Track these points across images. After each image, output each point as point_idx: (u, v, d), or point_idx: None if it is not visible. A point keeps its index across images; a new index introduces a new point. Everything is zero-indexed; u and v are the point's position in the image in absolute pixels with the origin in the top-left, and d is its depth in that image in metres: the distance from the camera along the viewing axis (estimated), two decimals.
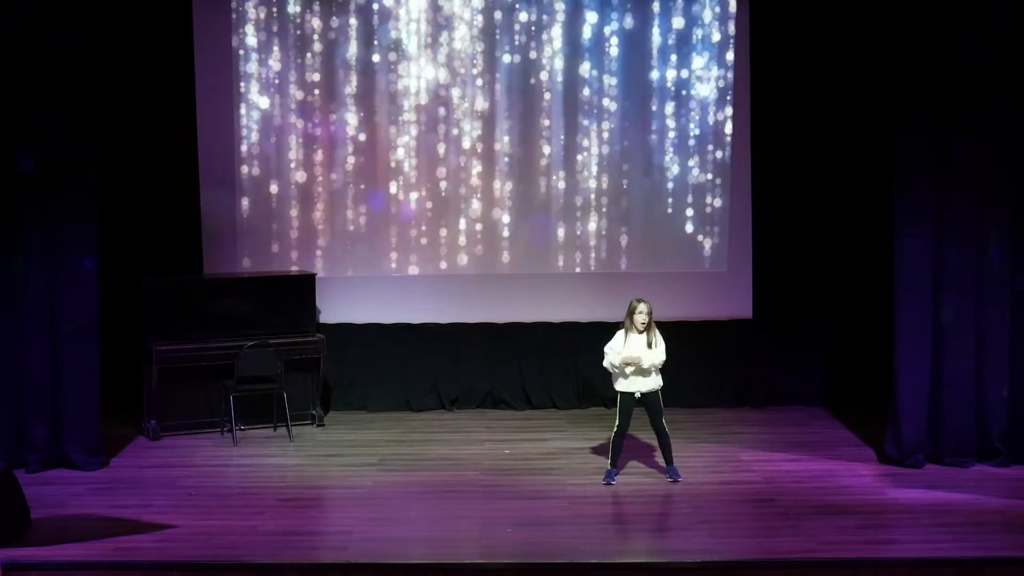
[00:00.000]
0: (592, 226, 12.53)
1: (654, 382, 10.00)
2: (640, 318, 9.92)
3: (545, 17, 12.32)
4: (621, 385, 10.01)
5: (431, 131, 12.39)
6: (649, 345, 9.94)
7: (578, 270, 12.58)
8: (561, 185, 12.49)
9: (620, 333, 10.03)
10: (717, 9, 12.35)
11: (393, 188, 12.43)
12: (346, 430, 11.89)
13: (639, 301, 10.00)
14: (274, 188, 12.39)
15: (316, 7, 12.21)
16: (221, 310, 11.78)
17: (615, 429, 10.03)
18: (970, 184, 10.39)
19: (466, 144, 12.42)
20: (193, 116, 12.17)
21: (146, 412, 11.58)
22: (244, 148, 12.31)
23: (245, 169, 12.35)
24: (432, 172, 12.43)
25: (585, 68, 12.37)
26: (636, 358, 9.88)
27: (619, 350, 9.95)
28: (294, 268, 12.39)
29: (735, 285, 12.60)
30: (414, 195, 12.45)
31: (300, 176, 12.39)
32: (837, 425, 11.98)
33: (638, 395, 9.96)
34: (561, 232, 12.54)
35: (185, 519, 9.22)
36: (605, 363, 10.08)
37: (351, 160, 12.39)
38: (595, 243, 12.55)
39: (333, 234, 12.46)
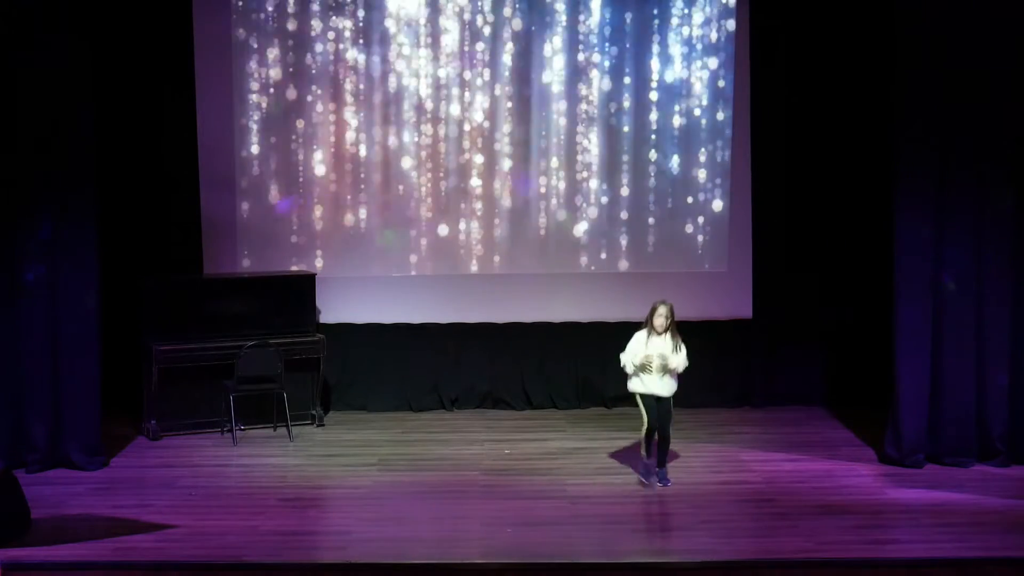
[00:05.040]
0: (592, 226, 12.53)
1: (669, 387, 9.94)
2: (659, 320, 9.85)
3: (545, 17, 12.32)
4: (636, 387, 9.97)
5: (431, 130, 12.39)
6: (673, 349, 9.88)
7: (579, 270, 12.58)
8: (561, 185, 12.49)
9: (640, 334, 9.98)
10: (717, 8, 12.35)
11: (393, 187, 12.43)
12: (346, 430, 11.89)
13: (661, 303, 9.91)
14: (274, 188, 12.40)
15: (316, 6, 12.21)
16: (221, 310, 11.78)
17: (645, 426, 9.96)
18: (970, 183, 10.39)
19: (466, 143, 12.43)
20: (193, 116, 12.17)
21: (146, 412, 11.58)
22: (244, 148, 12.31)
23: (245, 169, 12.35)
24: (432, 172, 12.43)
25: (585, 67, 12.37)
26: (650, 357, 9.82)
27: (636, 351, 9.89)
28: (294, 268, 12.39)
29: (735, 285, 12.60)
30: (414, 195, 12.45)
31: (300, 176, 12.39)
32: (837, 425, 11.98)
33: (656, 398, 9.90)
34: (561, 232, 12.54)
35: (185, 519, 9.22)
36: (623, 362, 10.00)
37: (351, 160, 12.39)
38: (595, 243, 12.55)
39: (333, 234, 12.46)
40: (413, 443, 11.45)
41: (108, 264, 11.11)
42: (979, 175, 10.39)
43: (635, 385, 9.99)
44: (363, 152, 12.41)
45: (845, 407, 12.42)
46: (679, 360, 9.88)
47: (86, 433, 10.52)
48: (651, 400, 9.92)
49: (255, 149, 12.34)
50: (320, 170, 12.39)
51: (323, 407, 12.18)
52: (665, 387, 9.93)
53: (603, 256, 12.57)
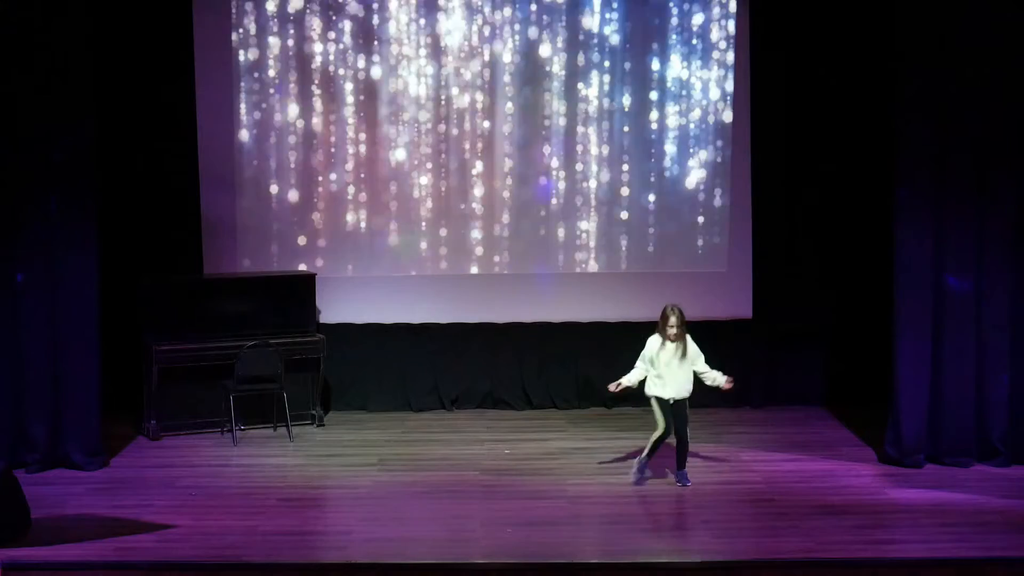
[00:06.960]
0: (592, 226, 12.53)
1: (685, 390, 9.95)
2: (671, 330, 9.84)
3: (545, 17, 12.32)
4: (653, 390, 9.97)
5: (431, 130, 12.39)
6: (683, 355, 9.88)
7: (578, 270, 12.58)
8: (561, 185, 12.49)
9: (654, 338, 9.97)
10: (717, 8, 12.35)
11: (393, 188, 12.43)
12: (346, 430, 11.89)
13: (671, 311, 9.88)
14: (274, 188, 12.39)
15: (316, 6, 12.21)
16: (221, 310, 11.78)
17: (660, 431, 9.96)
18: (971, 183, 10.38)
19: (466, 143, 12.42)
20: (193, 116, 12.16)
21: (146, 412, 11.58)
22: (244, 148, 12.31)
23: (245, 169, 12.35)
24: (432, 171, 12.43)
25: (585, 68, 12.37)
26: (625, 388, 9.97)
27: (648, 357, 9.93)
28: (294, 268, 12.38)
29: (735, 285, 12.60)
30: (414, 194, 12.45)
31: (300, 176, 12.39)
32: (837, 425, 11.98)
33: (671, 401, 9.93)
34: (561, 232, 12.53)
35: (185, 519, 9.23)
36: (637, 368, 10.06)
37: (351, 160, 12.39)
38: (595, 243, 12.55)
39: (333, 234, 12.45)
40: (413, 443, 11.45)
41: (108, 264, 11.10)
42: (980, 175, 10.38)
43: (652, 388, 9.98)
44: (363, 151, 12.40)
45: (845, 407, 12.41)
46: (699, 367, 9.97)
47: (86, 433, 10.52)
48: (667, 404, 9.93)
49: (255, 148, 12.33)
50: (320, 169, 12.38)
51: (323, 407, 12.18)
52: (680, 389, 9.93)
53: (603, 256, 12.57)
